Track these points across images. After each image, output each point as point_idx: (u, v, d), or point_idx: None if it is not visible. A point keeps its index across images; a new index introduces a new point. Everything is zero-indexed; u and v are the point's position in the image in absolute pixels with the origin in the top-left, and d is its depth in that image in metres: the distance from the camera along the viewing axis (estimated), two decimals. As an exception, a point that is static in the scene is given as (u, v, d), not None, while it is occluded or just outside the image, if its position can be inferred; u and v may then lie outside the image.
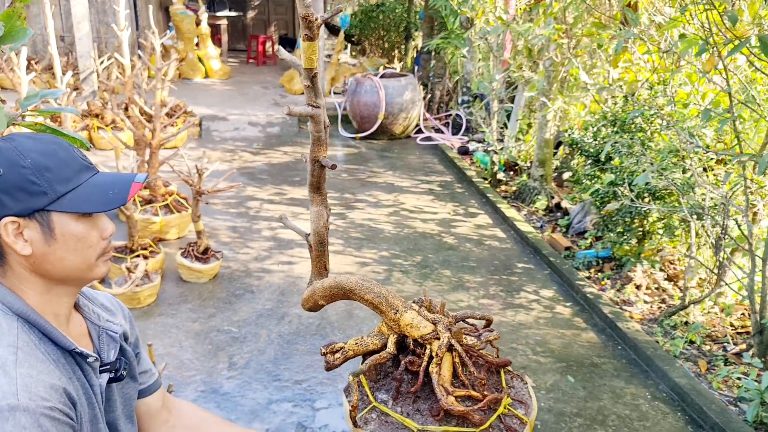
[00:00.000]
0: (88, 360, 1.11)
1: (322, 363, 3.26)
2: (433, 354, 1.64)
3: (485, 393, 1.63)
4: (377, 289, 1.83)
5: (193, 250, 4.04)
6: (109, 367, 1.17)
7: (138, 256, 3.85)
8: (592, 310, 3.86)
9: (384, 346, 1.77)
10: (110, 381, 1.18)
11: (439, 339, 1.66)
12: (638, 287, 4.09)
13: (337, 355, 1.79)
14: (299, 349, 3.38)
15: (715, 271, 3.48)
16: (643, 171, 3.58)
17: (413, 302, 1.84)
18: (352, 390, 1.65)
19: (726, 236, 3.29)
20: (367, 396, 1.71)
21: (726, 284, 3.40)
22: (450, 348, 1.65)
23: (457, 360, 1.65)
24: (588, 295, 3.94)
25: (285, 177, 6.34)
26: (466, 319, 1.82)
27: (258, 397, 2.98)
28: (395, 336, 1.76)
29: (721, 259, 3.36)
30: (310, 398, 2.99)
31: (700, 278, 3.99)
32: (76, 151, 1.11)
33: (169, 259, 4.28)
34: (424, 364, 1.65)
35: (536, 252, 4.74)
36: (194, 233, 4.30)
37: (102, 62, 6.56)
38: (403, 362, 1.69)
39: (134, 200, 4.51)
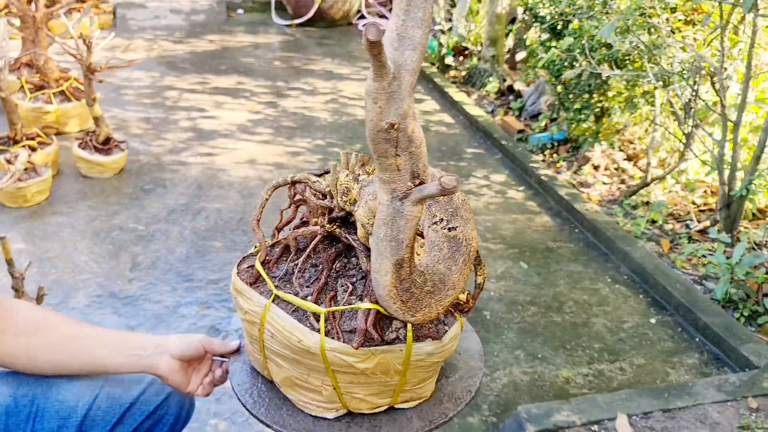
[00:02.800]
0: None
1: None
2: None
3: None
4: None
5: (91, 140, 3.46)
6: None
7: (24, 147, 3.26)
8: (546, 194, 3.50)
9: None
10: None
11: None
12: (596, 168, 3.74)
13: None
14: (216, 246, 2.94)
15: (683, 140, 3.13)
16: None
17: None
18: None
19: (697, 99, 2.91)
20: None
21: (694, 154, 3.05)
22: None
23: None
24: (542, 177, 3.57)
25: (210, 66, 5.66)
26: None
27: (165, 300, 2.55)
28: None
29: (690, 127, 2.99)
30: (226, 298, 2.58)
31: (660, 158, 3.65)
32: None
33: (69, 153, 3.69)
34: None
35: (487, 136, 4.32)
36: (95, 122, 3.69)
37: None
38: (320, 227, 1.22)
39: (22, 86, 3.85)
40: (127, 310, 2.48)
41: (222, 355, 1.22)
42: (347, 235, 1.10)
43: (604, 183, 3.61)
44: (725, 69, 2.85)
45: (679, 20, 3.41)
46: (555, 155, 3.99)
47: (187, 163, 3.75)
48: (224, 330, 2.40)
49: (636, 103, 3.58)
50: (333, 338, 0.97)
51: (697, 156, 3.05)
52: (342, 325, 0.99)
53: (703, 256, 2.75)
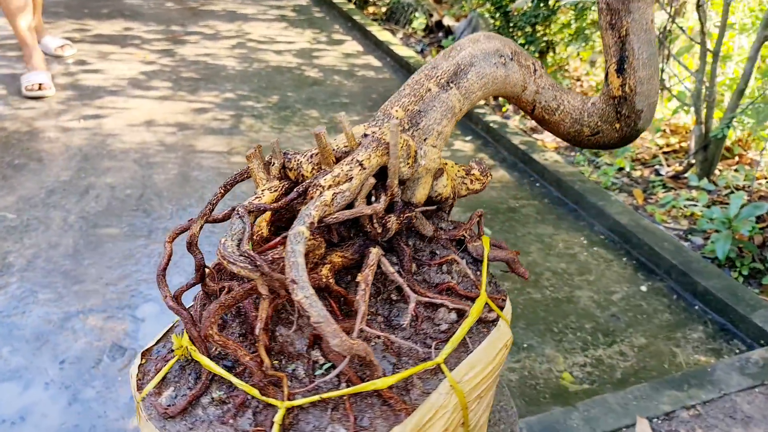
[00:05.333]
0: None
1: (146, 251, 2.27)
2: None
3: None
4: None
5: (-66, 107, 2.72)
6: None
7: None
8: (498, 144, 3.10)
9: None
10: None
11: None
12: (546, 110, 3.36)
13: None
14: (112, 234, 2.35)
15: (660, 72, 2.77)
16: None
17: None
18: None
19: (673, 26, 2.55)
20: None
21: (667, 90, 2.72)
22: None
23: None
24: (491, 125, 3.16)
25: (90, 9, 4.81)
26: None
27: (48, 313, 1.97)
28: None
29: (664, 57, 2.64)
30: (130, 304, 2.03)
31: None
32: None
33: None
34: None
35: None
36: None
37: None
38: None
39: None
40: (-4, 333, 1.89)
41: None
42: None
43: (557, 127, 3.24)
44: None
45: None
46: (497, 99, 3.58)
47: (67, 129, 3.06)
48: (131, 348, 1.87)
49: (588, 34, 3.20)
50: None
51: (668, 89, 2.71)
52: None
53: (685, 206, 2.45)
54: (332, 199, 0.72)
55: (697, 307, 2.04)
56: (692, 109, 2.56)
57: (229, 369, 0.72)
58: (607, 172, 2.70)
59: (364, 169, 0.76)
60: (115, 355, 1.86)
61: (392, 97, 0.87)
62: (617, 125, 0.99)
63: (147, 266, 2.19)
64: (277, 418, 0.66)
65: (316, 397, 0.68)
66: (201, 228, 0.76)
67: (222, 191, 0.78)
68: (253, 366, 0.67)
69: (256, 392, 0.68)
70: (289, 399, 0.68)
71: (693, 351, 1.88)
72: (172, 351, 0.76)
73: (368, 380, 0.69)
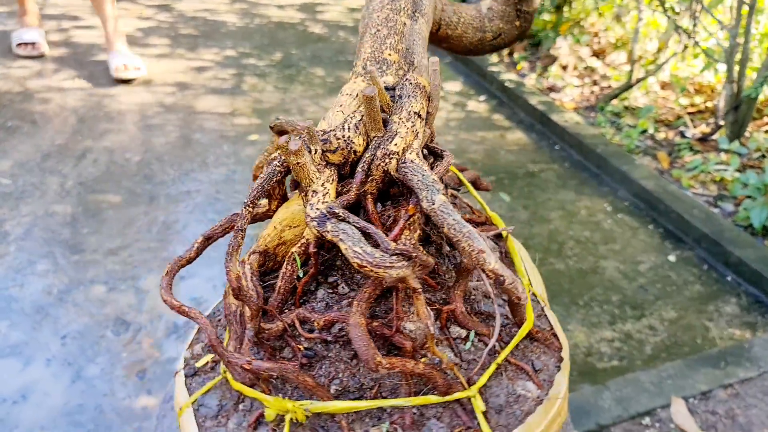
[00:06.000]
0: None
1: (147, 218, 2.16)
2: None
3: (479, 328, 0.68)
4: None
5: None
6: None
7: None
8: (514, 104, 2.96)
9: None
10: None
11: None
12: (564, 68, 3.21)
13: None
14: (111, 202, 2.24)
15: (689, 26, 2.62)
16: None
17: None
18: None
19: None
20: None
21: (699, 46, 2.56)
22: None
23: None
24: (506, 84, 3.01)
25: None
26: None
27: (48, 285, 1.87)
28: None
29: (695, 12, 2.48)
30: (133, 275, 1.93)
31: (642, 51, 3.16)
32: None
33: None
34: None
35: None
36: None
37: None
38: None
39: None
40: (-7, 307, 1.79)
41: None
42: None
43: (575, 86, 3.09)
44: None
45: None
46: (512, 56, 3.42)
47: (62, 90, 2.92)
48: (134, 322, 1.78)
49: (610, -13, 3.03)
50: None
51: (698, 44, 2.56)
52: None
53: (716, 171, 2.33)
54: (419, 158, 0.62)
55: (729, 279, 1.94)
56: (720, 67, 2.42)
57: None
58: (631, 135, 2.57)
59: (422, 119, 0.67)
60: (119, 329, 1.77)
61: (369, 40, 0.79)
62: (517, 23, 1.06)
63: (149, 235, 2.08)
64: (478, 405, 0.59)
65: (493, 366, 0.63)
66: (246, 262, 0.64)
67: (248, 212, 0.63)
68: (433, 371, 0.57)
69: (434, 398, 0.59)
70: (469, 384, 0.61)
71: (726, 325, 1.79)
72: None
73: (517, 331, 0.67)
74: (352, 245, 0.54)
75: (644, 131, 2.65)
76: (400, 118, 0.65)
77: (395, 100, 0.69)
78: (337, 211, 0.58)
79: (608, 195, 2.35)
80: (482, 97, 3.06)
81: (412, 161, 0.62)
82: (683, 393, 1.50)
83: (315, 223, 0.58)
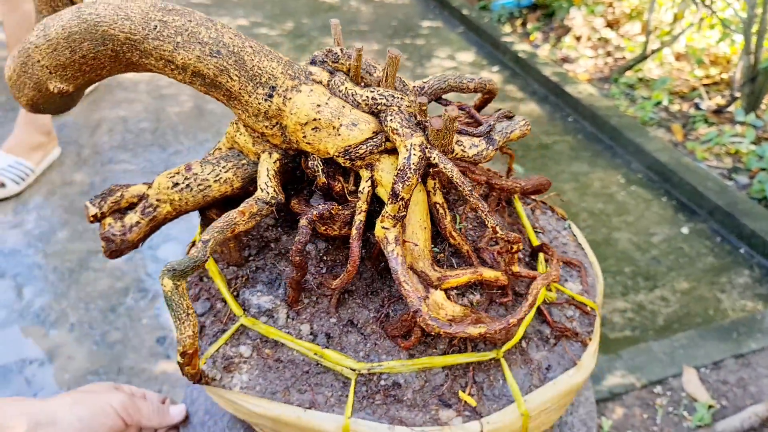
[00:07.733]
0: None
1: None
2: (383, 189, 0.64)
3: (511, 269, 0.68)
4: (207, 31, 0.68)
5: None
6: None
7: None
8: (527, 75, 2.94)
9: (248, 184, 0.73)
10: None
11: (394, 152, 0.64)
12: (578, 39, 3.18)
13: (123, 222, 0.69)
14: (129, 171, 2.25)
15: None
16: None
17: (312, 62, 0.70)
18: (175, 307, 0.61)
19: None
20: (226, 306, 0.71)
21: (717, 16, 2.53)
22: (426, 172, 0.65)
23: (439, 200, 0.66)
24: (519, 54, 2.99)
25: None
26: (445, 93, 0.77)
27: (68, 252, 1.90)
28: (278, 153, 0.69)
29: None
30: (149, 244, 1.96)
31: (658, 22, 3.13)
32: None
33: None
34: (360, 218, 0.65)
35: (443, 5, 3.64)
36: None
37: None
38: (305, 218, 0.65)
39: None
40: (8, 268, 1.83)
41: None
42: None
43: (588, 57, 3.07)
44: None
45: None
46: (525, 26, 3.39)
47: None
48: (153, 289, 1.81)
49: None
50: None
51: (715, 14, 2.53)
52: None
53: (731, 143, 2.32)
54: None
55: (742, 251, 1.96)
56: (737, 37, 2.39)
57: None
58: (645, 107, 2.56)
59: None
60: (138, 296, 1.80)
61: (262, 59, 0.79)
62: None
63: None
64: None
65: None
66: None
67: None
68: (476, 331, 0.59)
69: (471, 358, 0.62)
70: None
71: (739, 296, 1.80)
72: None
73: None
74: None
75: (658, 103, 2.64)
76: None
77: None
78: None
79: (622, 167, 2.35)
80: (495, 68, 3.04)
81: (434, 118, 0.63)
82: (695, 363, 1.53)
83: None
